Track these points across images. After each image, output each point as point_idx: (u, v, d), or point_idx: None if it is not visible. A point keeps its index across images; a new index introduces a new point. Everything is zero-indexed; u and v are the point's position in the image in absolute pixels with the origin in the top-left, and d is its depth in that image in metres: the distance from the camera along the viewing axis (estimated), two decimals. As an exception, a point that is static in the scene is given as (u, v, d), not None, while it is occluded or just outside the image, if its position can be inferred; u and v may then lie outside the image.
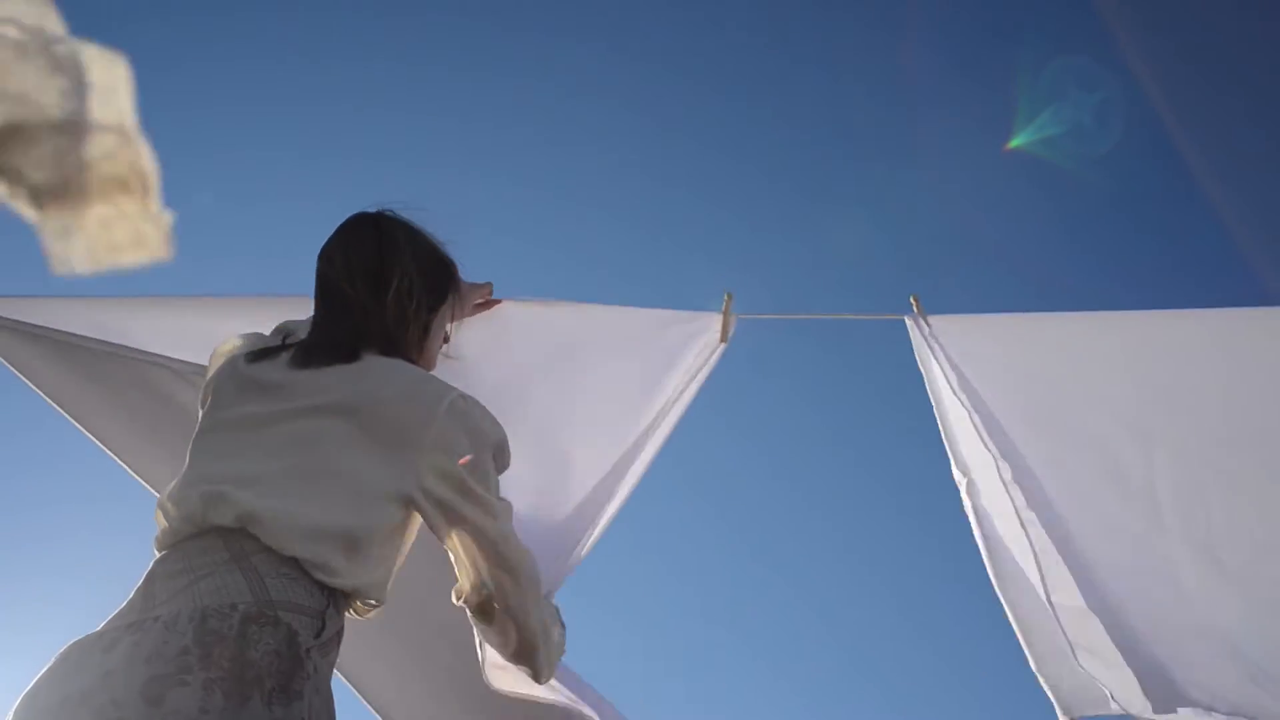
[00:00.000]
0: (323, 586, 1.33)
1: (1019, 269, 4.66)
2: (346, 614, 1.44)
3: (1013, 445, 2.16)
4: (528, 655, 1.61)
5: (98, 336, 2.02)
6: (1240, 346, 2.17)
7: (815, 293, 4.93)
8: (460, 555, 1.53)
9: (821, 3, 4.87)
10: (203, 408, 1.56)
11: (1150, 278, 4.72)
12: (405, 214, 1.69)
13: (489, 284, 2.10)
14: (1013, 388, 2.21)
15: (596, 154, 4.99)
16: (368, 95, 4.77)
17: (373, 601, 1.46)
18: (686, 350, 2.28)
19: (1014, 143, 4.76)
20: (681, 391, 2.24)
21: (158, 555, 1.37)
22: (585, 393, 2.23)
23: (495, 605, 1.55)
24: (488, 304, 2.12)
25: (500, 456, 1.55)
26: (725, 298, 2.31)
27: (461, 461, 1.44)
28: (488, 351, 2.12)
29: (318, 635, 1.30)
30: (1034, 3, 4.53)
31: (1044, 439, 2.18)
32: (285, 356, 1.55)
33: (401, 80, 4.81)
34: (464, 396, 1.49)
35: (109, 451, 2.07)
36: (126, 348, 2.02)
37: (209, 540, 1.32)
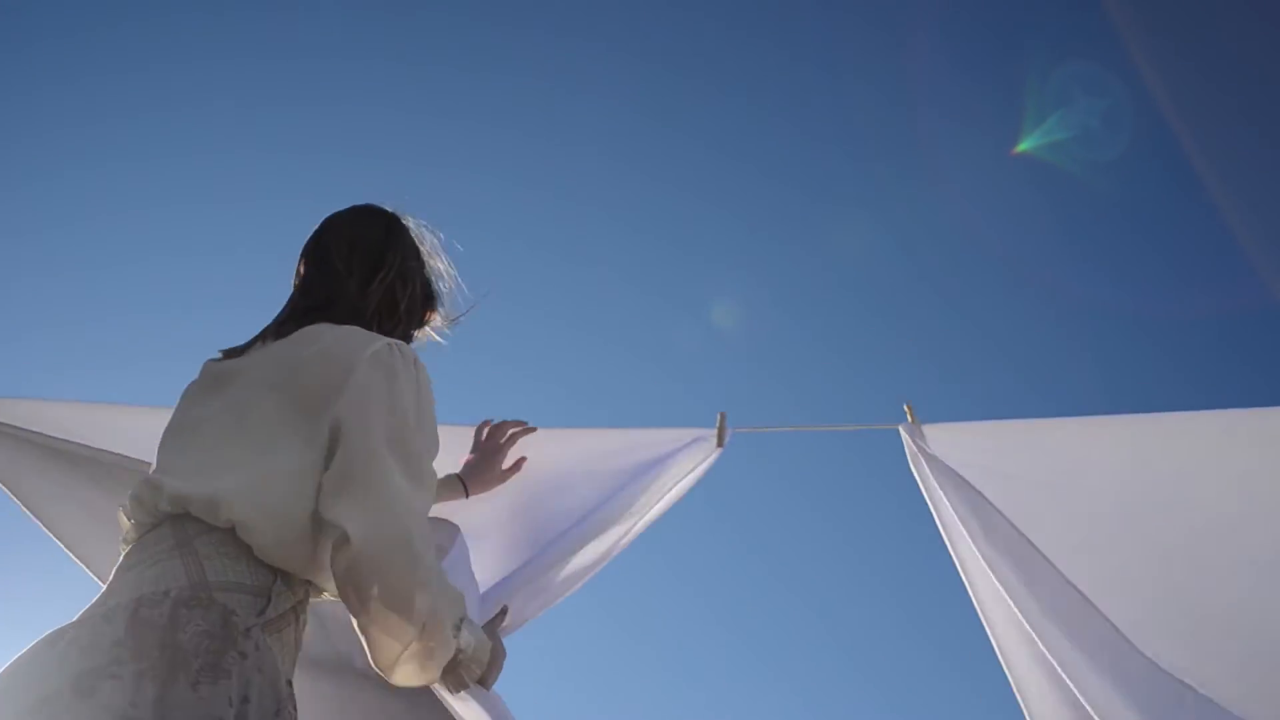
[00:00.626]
0: (270, 563, 1.34)
1: (1025, 277, 4.62)
2: (321, 596, 1.45)
3: (1007, 549, 2.21)
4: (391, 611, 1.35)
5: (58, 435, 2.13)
6: (1237, 446, 2.19)
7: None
8: None
9: (827, 9, 4.76)
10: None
11: (1157, 283, 4.68)
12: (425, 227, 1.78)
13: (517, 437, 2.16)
14: (1005, 493, 2.25)
15: (590, 150, 4.96)
16: (366, 95, 4.76)
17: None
18: (682, 452, 2.35)
19: (1021, 147, 4.71)
20: (676, 483, 2.32)
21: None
22: (580, 490, 2.31)
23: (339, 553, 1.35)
24: (515, 466, 2.18)
25: (423, 417, 1.48)
26: (719, 416, 2.38)
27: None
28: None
29: (261, 613, 1.30)
30: (1041, 8, 4.41)
31: (1037, 541, 2.23)
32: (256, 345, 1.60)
33: (406, 81, 4.78)
34: (392, 344, 1.48)
35: (56, 538, 2.18)
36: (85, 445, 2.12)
37: (161, 530, 1.35)
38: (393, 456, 1.38)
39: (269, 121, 4.65)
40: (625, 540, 2.27)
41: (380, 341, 1.47)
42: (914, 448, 2.28)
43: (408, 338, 1.72)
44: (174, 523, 1.35)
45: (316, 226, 1.71)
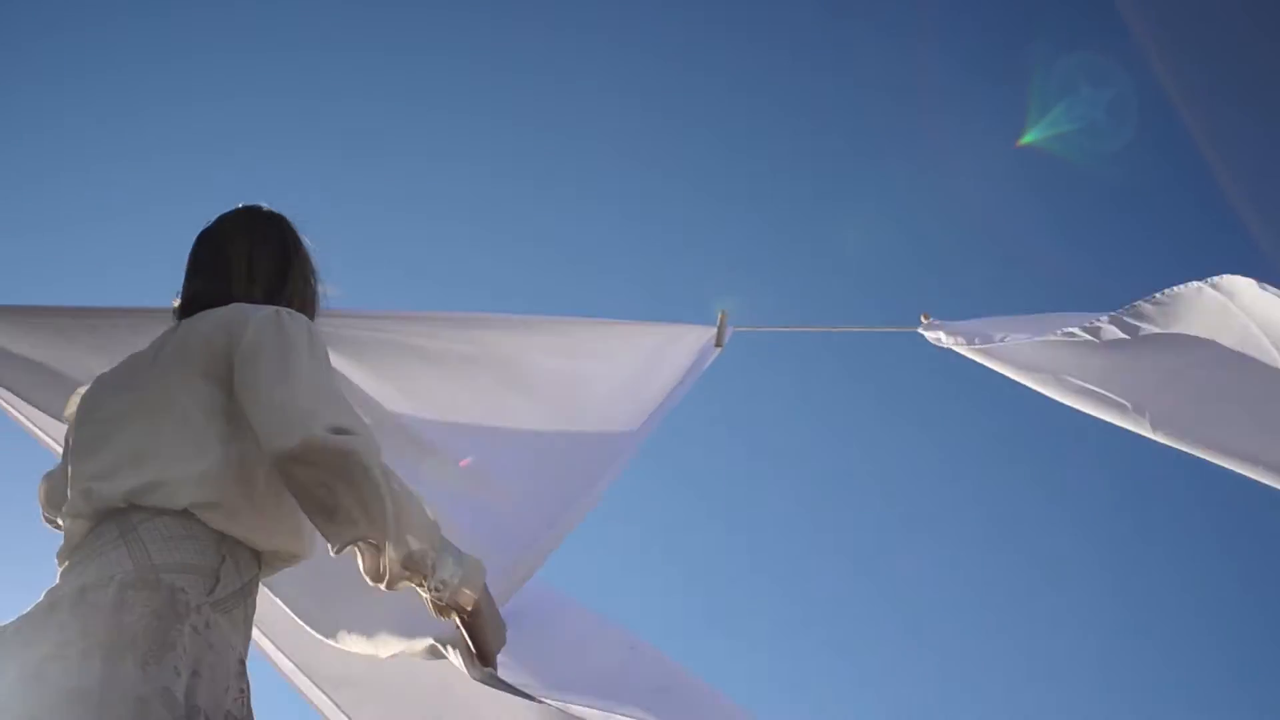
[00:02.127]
0: (219, 543, 1.33)
1: (1029, 267, 4.57)
2: (269, 568, 1.44)
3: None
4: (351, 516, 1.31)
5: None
6: None
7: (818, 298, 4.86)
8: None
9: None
10: (69, 436, 1.59)
11: (1163, 274, 4.61)
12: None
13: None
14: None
15: (600, 149, 4.96)
16: (362, 88, 4.75)
17: (287, 554, 1.44)
18: (680, 352, 2.26)
19: (1026, 139, 4.69)
20: (673, 388, 2.20)
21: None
22: (579, 397, 2.19)
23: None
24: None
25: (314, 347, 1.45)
26: (720, 314, 2.31)
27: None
28: (484, 364, 2.12)
29: (210, 592, 1.29)
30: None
31: None
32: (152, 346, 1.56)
33: (401, 74, 4.78)
34: (281, 309, 1.46)
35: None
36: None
37: (104, 525, 1.34)
38: (291, 374, 1.37)
39: (273, 116, 4.61)
40: (621, 462, 2.13)
41: (270, 308, 1.47)
42: (943, 338, 2.18)
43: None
44: (117, 516, 1.33)
45: (209, 229, 1.67)
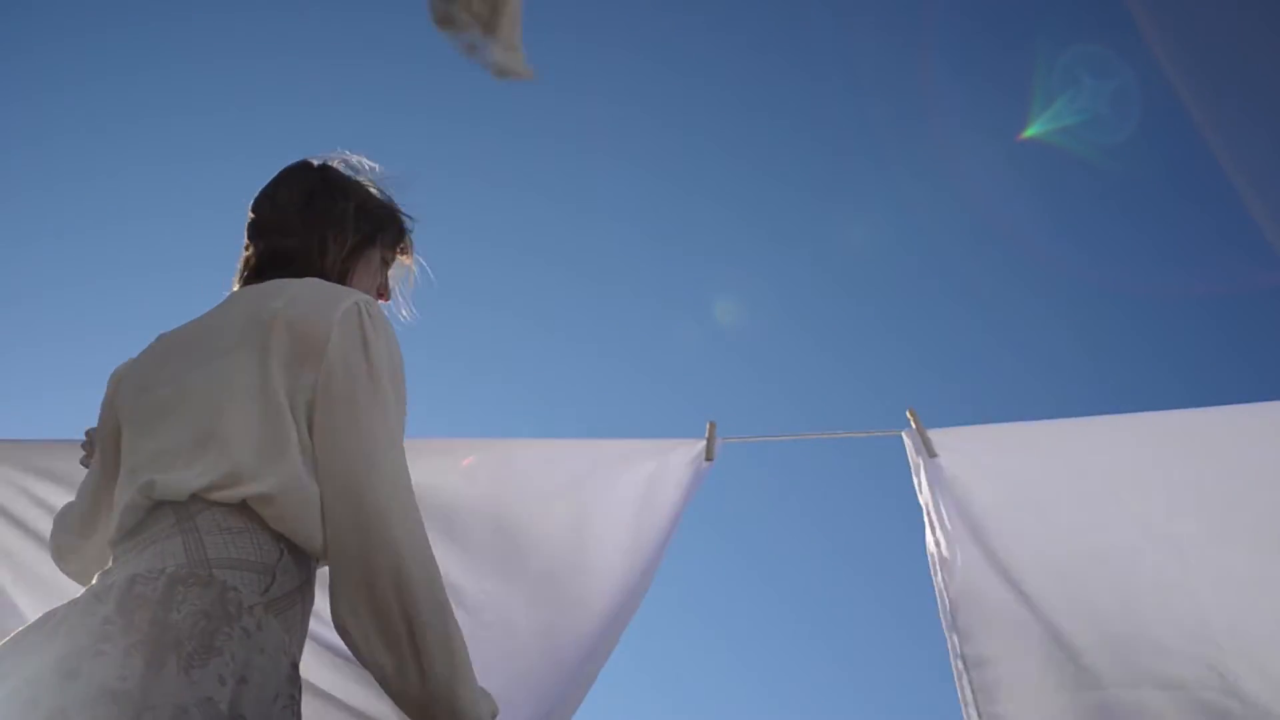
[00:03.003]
0: (277, 539, 1.27)
1: (1031, 261, 4.50)
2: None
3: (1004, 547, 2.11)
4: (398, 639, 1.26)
5: None
6: (1237, 442, 2.09)
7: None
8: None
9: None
10: (110, 417, 1.51)
11: (1170, 265, 4.55)
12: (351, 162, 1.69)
13: None
14: (1006, 494, 2.14)
15: (596, 152, 4.89)
16: (357, 93, 4.70)
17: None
18: (672, 475, 2.24)
19: (1029, 132, 4.58)
20: (675, 516, 2.21)
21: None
22: (582, 533, 2.19)
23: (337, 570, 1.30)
24: None
25: (395, 380, 1.40)
26: (709, 426, 2.29)
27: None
28: (486, 492, 2.14)
29: (265, 591, 1.23)
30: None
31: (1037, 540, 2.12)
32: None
33: (397, 80, 4.72)
34: (359, 303, 1.40)
35: None
36: None
37: (160, 510, 1.28)
38: (379, 429, 1.33)
39: (264, 122, 4.56)
40: (635, 601, 2.14)
41: (349, 299, 1.39)
42: (916, 458, 2.18)
43: (371, 256, 1.65)
44: (174, 504, 1.27)
45: (256, 202, 1.62)
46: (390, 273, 1.71)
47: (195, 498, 1.26)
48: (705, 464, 2.24)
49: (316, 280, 1.46)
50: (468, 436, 2.24)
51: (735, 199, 4.93)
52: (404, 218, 1.70)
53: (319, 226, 1.55)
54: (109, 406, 1.52)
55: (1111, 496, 2.10)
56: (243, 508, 1.26)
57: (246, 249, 1.58)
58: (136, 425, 1.40)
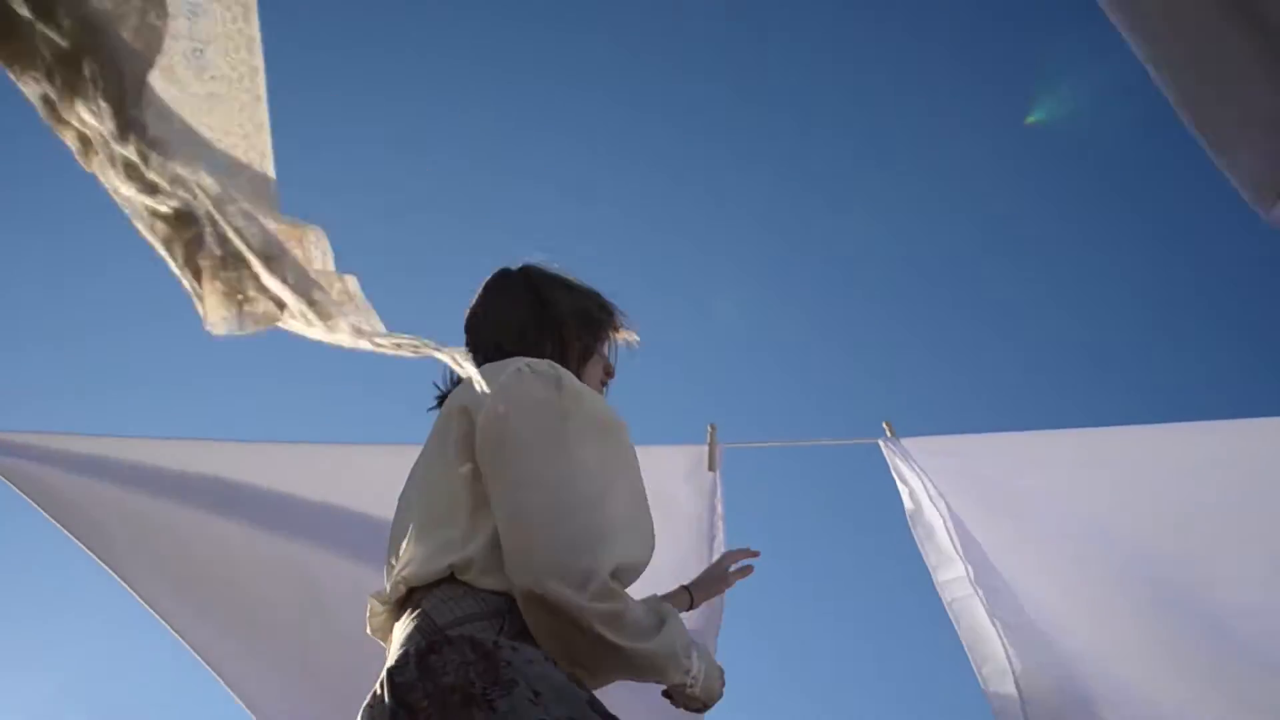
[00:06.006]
0: (493, 593, 1.31)
1: (1034, 254, 4.58)
2: None
3: (978, 547, 2.30)
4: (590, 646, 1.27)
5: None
6: (1202, 459, 2.25)
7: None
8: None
9: None
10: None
11: (1169, 263, 4.61)
12: (548, 265, 1.69)
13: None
14: (977, 497, 2.33)
15: (590, 148, 4.93)
16: (361, 81, 4.75)
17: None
18: (682, 495, 2.35)
19: (1033, 118, 4.64)
20: (712, 539, 2.32)
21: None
22: None
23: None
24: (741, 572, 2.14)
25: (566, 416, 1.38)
26: (709, 429, 2.40)
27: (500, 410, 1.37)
28: None
29: (500, 630, 1.26)
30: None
31: (1008, 540, 2.32)
32: None
33: (396, 71, 4.78)
34: (524, 369, 1.42)
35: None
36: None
37: (404, 608, 1.38)
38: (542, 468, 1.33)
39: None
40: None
41: (514, 364, 1.43)
42: (895, 461, 2.36)
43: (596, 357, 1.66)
44: (404, 599, 1.38)
45: (470, 320, 1.66)
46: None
47: (413, 589, 1.40)
48: (710, 476, 2.35)
49: (489, 364, 1.49)
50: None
51: (731, 200, 4.98)
52: (612, 305, 1.70)
53: (542, 343, 1.57)
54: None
55: (1090, 507, 2.27)
56: (452, 580, 1.33)
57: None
58: (390, 548, 1.54)
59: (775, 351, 5.03)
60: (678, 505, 2.33)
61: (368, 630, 1.48)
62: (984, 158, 4.60)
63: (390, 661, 1.25)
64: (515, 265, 1.69)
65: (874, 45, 4.57)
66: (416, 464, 1.55)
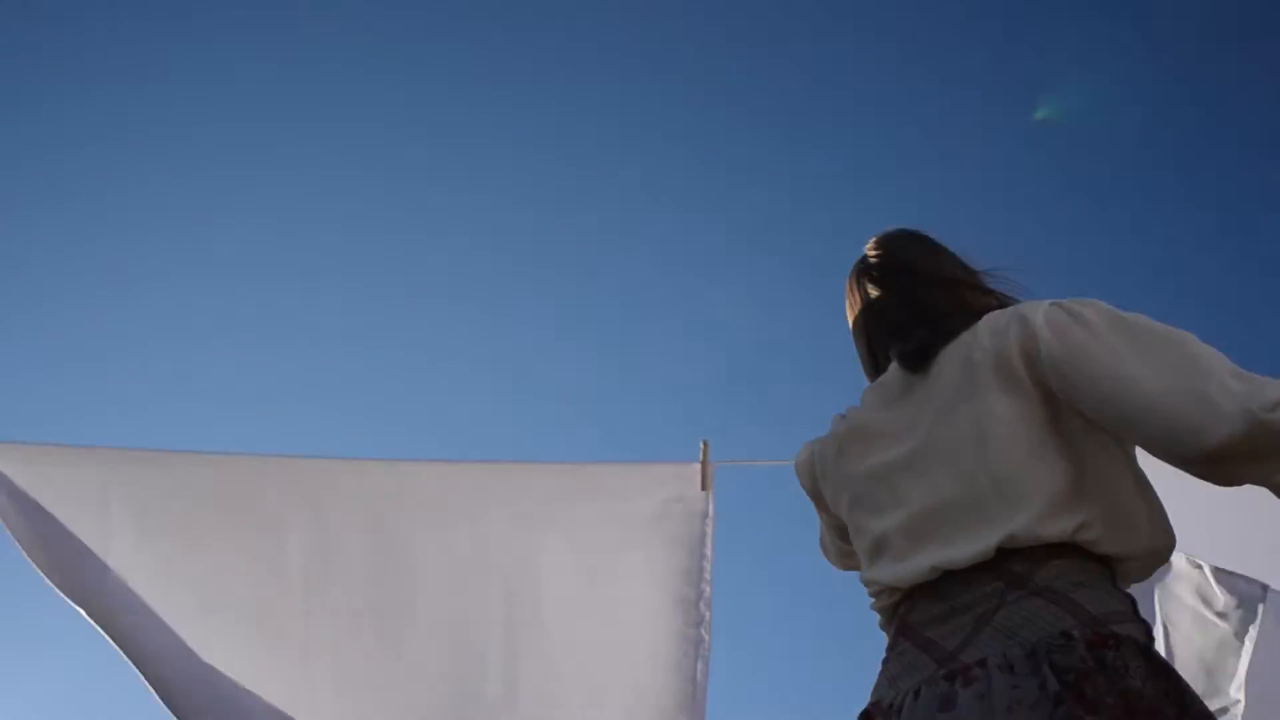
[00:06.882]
0: (1109, 570, 1.15)
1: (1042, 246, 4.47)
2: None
3: None
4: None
5: None
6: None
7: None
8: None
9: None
10: (825, 506, 1.46)
11: (1174, 256, 4.51)
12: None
13: None
14: None
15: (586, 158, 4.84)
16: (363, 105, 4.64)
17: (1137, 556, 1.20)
18: (671, 520, 2.23)
19: (1040, 114, 4.52)
20: (703, 564, 2.21)
21: (896, 618, 1.24)
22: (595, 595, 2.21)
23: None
24: None
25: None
26: (702, 446, 2.25)
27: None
28: (475, 512, 2.18)
29: (1147, 633, 1.11)
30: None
31: None
32: (881, 391, 1.38)
33: (396, 91, 4.66)
34: (1055, 304, 1.22)
35: None
36: None
37: (963, 575, 1.16)
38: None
39: (270, 135, 4.48)
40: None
41: (1045, 304, 1.22)
42: None
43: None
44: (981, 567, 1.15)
45: (873, 262, 1.49)
46: None
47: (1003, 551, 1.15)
48: (703, 495, 2.21)
49: (993, 312, 1.32)
50: (458, 444, 2.26)
51: (719, 207, 4.87)
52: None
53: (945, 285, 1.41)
54: (814, 486, 1.50)
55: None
56: (1060, 547, 1.15)
57: (872, 328, 1.46)
58: (870, 493, 1.35)
59: (770, 368, 4.89)
60: (670, 523, 2.20)
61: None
62: (985, 160, 4.47)
63: (1027, 634, 1.07)
64: None
65: (869, 55, 4.43)
66: (883, 430, 1.35)
